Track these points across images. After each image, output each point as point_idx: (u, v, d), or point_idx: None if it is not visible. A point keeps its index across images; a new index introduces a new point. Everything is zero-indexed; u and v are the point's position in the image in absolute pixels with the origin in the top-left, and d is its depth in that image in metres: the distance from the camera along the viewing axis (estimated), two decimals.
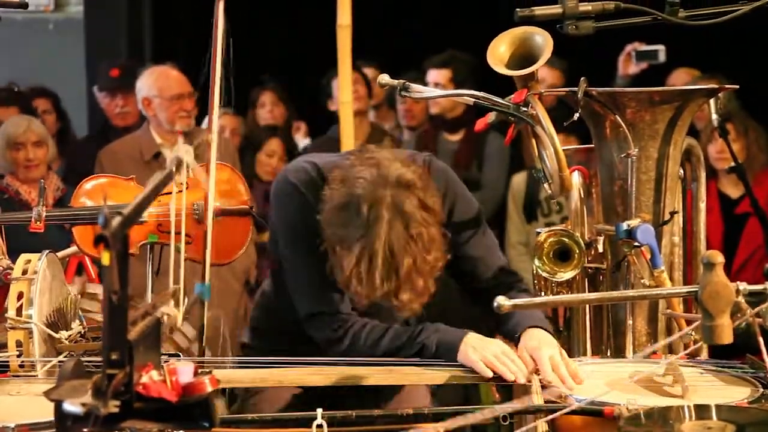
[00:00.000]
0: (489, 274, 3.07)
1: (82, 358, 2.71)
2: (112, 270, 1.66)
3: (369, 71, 6.20)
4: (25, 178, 5.12)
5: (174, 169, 1.90)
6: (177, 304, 2.34)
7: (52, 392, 1.76)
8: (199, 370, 1.84)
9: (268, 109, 6.50)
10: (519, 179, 5.71)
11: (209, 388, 1.80)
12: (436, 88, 5.70)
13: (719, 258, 2.27)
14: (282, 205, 3.01)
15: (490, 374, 2.81)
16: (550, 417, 2.45)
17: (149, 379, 1.78)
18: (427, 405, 3.09)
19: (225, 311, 5.03)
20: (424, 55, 6.17)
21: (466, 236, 3.05)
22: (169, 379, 1.78)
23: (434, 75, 5.94)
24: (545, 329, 2.92)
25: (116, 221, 1.67)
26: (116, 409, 1.72)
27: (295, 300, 3.01)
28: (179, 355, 2.96)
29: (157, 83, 5.27)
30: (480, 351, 2.83)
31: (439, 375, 2.86)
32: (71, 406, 1.69)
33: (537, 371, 2.80)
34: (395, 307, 2.79)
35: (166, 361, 1.97)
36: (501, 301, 2.55)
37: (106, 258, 1.67)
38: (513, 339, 2.93)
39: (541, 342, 2.86)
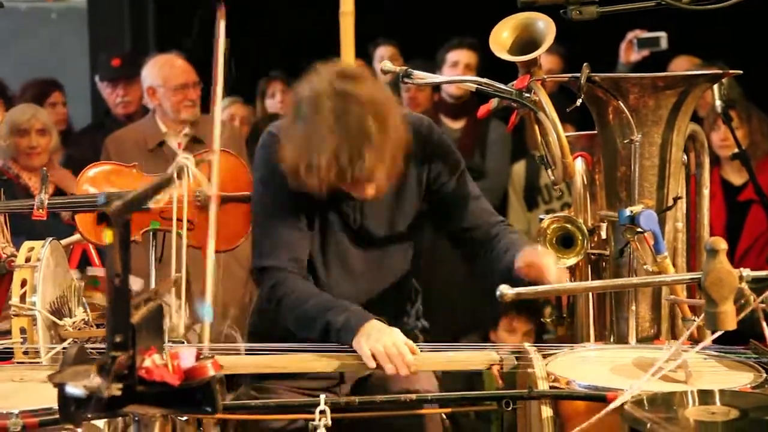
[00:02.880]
0: (476, 218, 3.08)
1: (86, 345, 2.73)
2: (114, 251, 1.66)
3: (388, 50, 6.20)
4: (27, 165, 5.11)
5: (175, 175, 1.90)
6: (178, 293, 2.35)
7: (55, 376, 1.76)
8: (201, 355, 1.84)
9: (278, 99, 6.49)
10: (519, 167, 5.71)
11: (211, 373, 1.80)
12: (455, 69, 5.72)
13: (722, 244, 2.27)
14: (259, 153, 3.05)
15: (373, 364, 2.76)
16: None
17: (152, 363, 1.78)
18: (433, 390, 3.09)
19: (230, 299, 5.05)
20: (429, 40, 6.16)
21: (453, 179, 3.07)
22: (171, 364, 1.78)
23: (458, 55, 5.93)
24: None
25: (118, 201, 1.67)
26: (119, 392, 1.72)
27: (253, 249, 3.02)
28: (183, 342, 2.96)
29: (161, 72, 5.25)
30: (372, 341, 2.78)
31: (441, 362, 2.86)
32: (74, 389, 1.69)
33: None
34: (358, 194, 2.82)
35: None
36: (504, 289, 2.54)
37: (108, 236, 1.67)
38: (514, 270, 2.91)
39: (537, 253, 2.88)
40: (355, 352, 2.79)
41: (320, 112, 2.76)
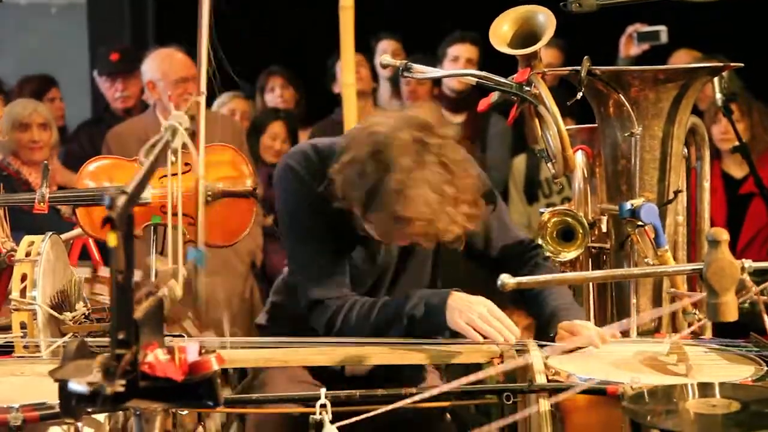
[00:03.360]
0: (506, 246, 3.07)
1: (87, 339, 2.73)
2: (119, 250, 1.66)
3: (390, 44, 6.21)
4: (28, 159, 5.12)
5: (170, 138, 1.89)
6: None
7: (56, 372, 1.76)
8: (203, 349, 1.83)
9: (278, 93, 6.49)
10: (519, 161, 5.71)
11: (215, 367, 1.79)
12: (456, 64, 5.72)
13: (724, 235, 2.27)
14: (281, 189, 3.00)
15: (480, 339, 2.78)
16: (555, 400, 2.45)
17: (154, 358, 1.78)
18: (436, 383, 3.09)
19: (230, 294, 5.05)
20: (429, 34, 6.16)
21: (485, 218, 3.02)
22: (177, 357, 1.78)
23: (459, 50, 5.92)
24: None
25: (121, 200, 1.67)
26: (121, 389, 1.71)
27: (297, 286, 2.99)
28: (183, 336, 2.96)
29: (161, 66, 5.26)
30: (466, 314, 2.78)
31: (443, 353, 2.86)
32: (77, 385, 1.69)
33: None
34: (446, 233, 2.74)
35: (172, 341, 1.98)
36: (505, 279, 2.54)
37: (112, 239, 1.67)
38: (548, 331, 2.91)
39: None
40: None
41: (397, 174, 2.68)
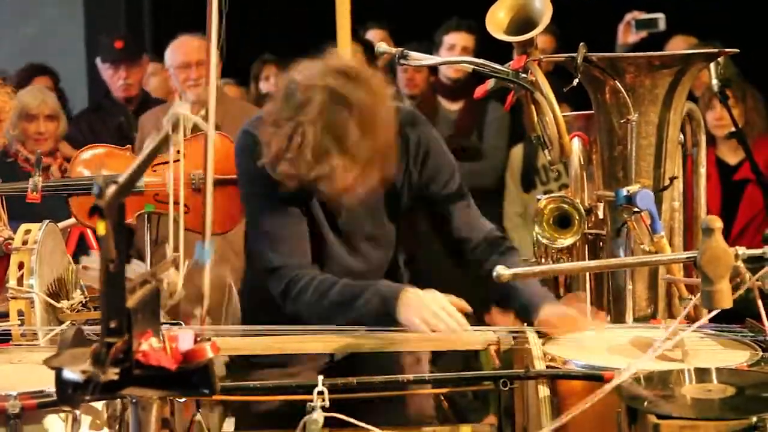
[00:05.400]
0: (470, 228, 3.07)
1: (84, 327, 2.74)
2: (108, 239, 1.66)
3: (378, 33, 6.18)
4: (34, 150, 5.11)
5: (171, 130, 1.89)
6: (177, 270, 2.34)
7: (52, 360, 1.77)
8: (199, 337, 1.84)
9: (272, 82, 6.48)
10: (516, 151, 5.72)
11: (210, 355, 1.80)
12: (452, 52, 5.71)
13: (718, 223, 2.28)
14: (240, 155, 3.01)
15: (430, 332, 2.78)
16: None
17: (149, 346, 1.78)
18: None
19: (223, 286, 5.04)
20: (426, 21, 6.14)
21: (443, 182, 3.05)
22: (168, 347, 1.78)
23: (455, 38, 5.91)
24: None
25: (111, 190, 1.67)
26: (116, 377, 1.72)
27: (257, 255, 2.98)
28: (180, 323, 2.97)
29: (171, 53, 5.28)
30: (417, 310, 2.80)
31: (439, 342, 2.86)
32: (71, 373, 1.69)
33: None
34: (328, 192, 2.78)
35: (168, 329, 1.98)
36: (500, 270, 2.53)
37: (101, 228, 1.67)
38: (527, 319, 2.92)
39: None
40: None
41: (309, 104, 2.73)
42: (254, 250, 2.99)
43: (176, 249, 2.06)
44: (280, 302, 2.94)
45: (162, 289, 1.94)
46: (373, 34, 6.26)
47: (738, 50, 3.28)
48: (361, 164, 2.77)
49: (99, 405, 2.47)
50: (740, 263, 2.33)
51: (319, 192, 2.88)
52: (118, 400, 2.46)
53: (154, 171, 3.36)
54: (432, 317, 2.78)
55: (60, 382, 1.73)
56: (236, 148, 3.03)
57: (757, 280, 2.39)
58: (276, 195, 2.88)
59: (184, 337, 1.83)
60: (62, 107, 6.30)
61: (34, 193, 3.41)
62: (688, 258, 2.48)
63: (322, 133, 2.72)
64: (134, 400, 1.91)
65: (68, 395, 1.72)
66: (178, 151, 2.07)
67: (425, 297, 2.82)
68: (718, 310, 2.29)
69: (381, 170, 2.84)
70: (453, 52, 5.76)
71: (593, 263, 3.23)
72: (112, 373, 1.70)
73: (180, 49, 5.25)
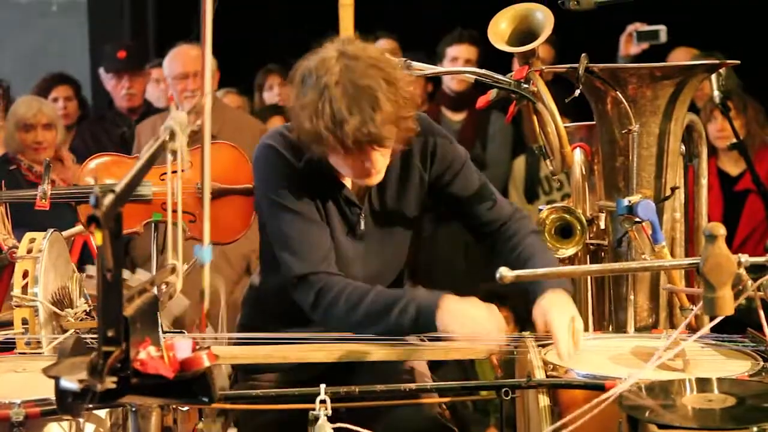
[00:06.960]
0: (486, 209, 3.08)
1: (87, 336, 2.75)
2: (105, 248, 1.66)
3: (388, 43, 6.21)
4: (33, 160, 5.13)
5: (167, 138, 1.90)
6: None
7: (50, 369, 1.77)
8: (197, 346, 1.84)
9: (276, 91, 6.50)
10: (519, 162, 5.73)
11: (207, 363, 1.80)
12: (455, 64, 5.72)
13: (721, 230, 2.27)
14: (261, 167, 3.01)
15: (472, 339, 2.78)
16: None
17: (147, 355, 1.78)
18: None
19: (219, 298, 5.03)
20: (430, 32, 6.16)
21: (455, 172, 3.05)
22: (166, 355, 1.78)
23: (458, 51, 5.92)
24: (563, 288, 2.87)
25: (108, 200, 1.67)
26: (113, 386, 1.72)
27: (283, 264, 2.95)
28: (183, 332, 2.97)
29: (168, 63, 5.29)
30: (459, 317, 2.79)
31: (439, 351, 2.86)
32: (68, 383, 1.70)
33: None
34: (379, 137, 2.76)
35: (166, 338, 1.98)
36: (503, 272, 2.53)
37: (98, 237, 1.68)
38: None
39: (552, 306, 2.81)
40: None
41: (329, 74, 2.74)
42: (278, 259, 2.97)
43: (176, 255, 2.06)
44: (309, 311, 2.92)
45: (161, 292, 1.94)
46: (382, 44, 6.28)
47: (739, 62, 3.29)
48: (392, 114, 2.75)
49: (102, 413, 2.47)
50: (742, 271, 2.33)
51: (349, 201, 2.91)
52: (121, 408, 2.46)
53: (162, 180, 3.37)
54: (473, 324, 2.78)
55: (59, 391, 1.74)
56: (255, 160, 3.03)
57: (758, 289, 2.39)
58: (299, 202, 2.89)
59: (182, 346, 1.84)
60: (84, 116, 6.33)
61: (43, 200, 3.42)
62: (690, 264, 2.48)
63: (348, 86, 2.72)
64: (134, 409, 1.91)
65: (68, 404, 1.72)
66: (190, 162, 2.07)
67: (466, 304, 2.82)
68: (720, 318, 2.29)
69: (410, 129, 2.85)
70: (456, 64, 5.78)
71: (595, 267, 3.23)
72: (110, 382, 1.70)
73: (177, 59, 5.26)
